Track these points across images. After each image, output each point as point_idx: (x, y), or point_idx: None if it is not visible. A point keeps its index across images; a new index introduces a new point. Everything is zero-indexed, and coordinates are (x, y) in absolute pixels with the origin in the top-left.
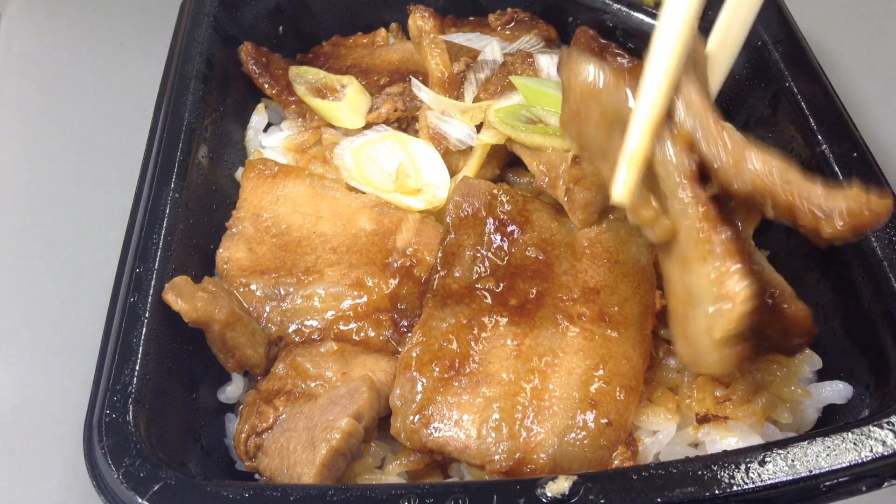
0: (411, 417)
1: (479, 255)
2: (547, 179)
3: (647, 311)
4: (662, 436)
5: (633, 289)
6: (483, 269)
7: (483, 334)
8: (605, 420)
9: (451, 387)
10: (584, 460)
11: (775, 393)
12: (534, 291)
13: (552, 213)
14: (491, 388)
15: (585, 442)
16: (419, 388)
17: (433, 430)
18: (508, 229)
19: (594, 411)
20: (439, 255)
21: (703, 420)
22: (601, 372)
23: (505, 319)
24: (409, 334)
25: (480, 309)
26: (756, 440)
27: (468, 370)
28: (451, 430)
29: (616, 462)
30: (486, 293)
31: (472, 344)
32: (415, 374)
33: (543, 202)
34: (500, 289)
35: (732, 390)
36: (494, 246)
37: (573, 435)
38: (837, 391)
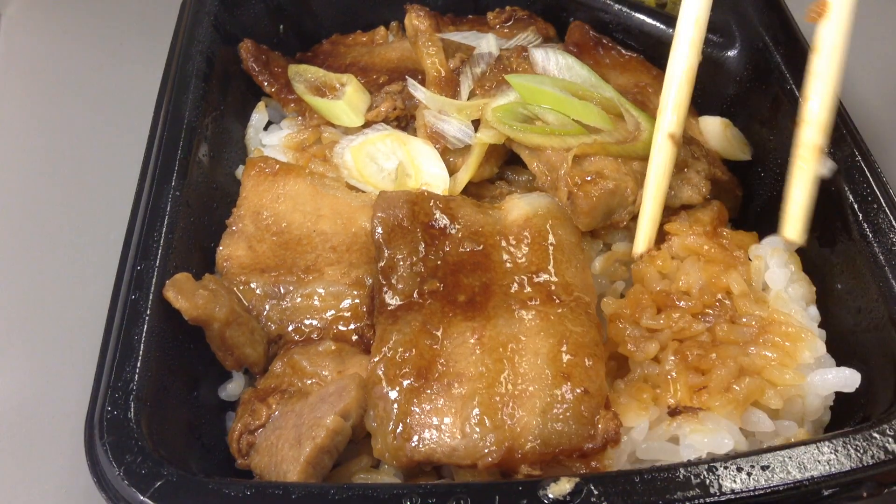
0: (391, 435)
1: (415, 262)
2: (549, 180)
3: (587, 285)
4: (636, 433)
5: (573, 266)
6: (423, 273)
7: (442, 336)
8: (581, 389)
9: (423, 394)
10: (571, 433)
11: (766, 377)
12: (479, 284)
13: (475, 206)
14: (463, 386)
15: (568, 414)
16: (392, 404)
17: (417, 442)
18: (438, 229)
19: (569, 383)
20: (379, 274)
21: (673, 412)
22: (565, 347)
23: (459, 317)
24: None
25: (432, 312)
26: (729, 432)
27: (437, 374)
28: (434, 437)
29: (601, 425)
30: (432, 296)
31: (434, 348)
32: (385, 390)
33: (464, 198)
34: (444, 289)
35: (709, 377)
36: (429, 249)
37: (555, 411)
38: (844, 378)
